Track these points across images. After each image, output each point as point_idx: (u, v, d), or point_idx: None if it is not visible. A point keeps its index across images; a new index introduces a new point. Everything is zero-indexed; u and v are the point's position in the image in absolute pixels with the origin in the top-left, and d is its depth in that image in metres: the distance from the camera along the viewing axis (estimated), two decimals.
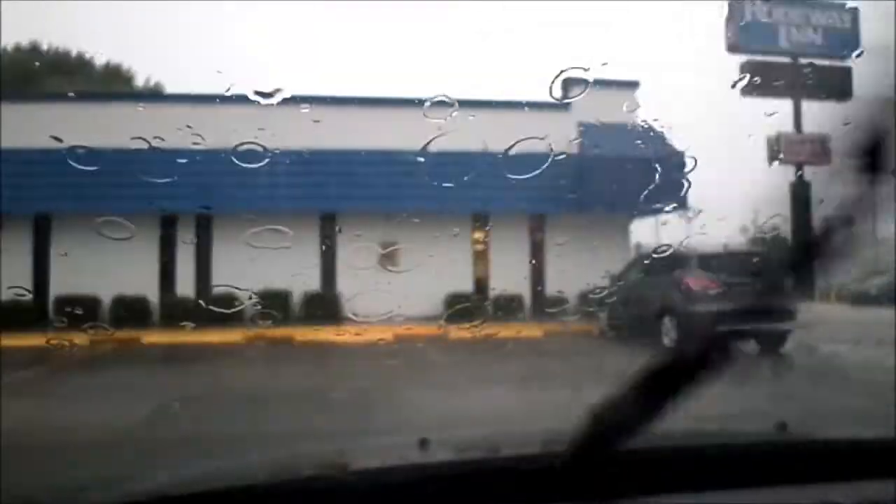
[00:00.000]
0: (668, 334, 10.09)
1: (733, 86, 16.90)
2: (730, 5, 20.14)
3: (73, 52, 29.57)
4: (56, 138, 5.74)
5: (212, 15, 49.32)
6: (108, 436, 5.01)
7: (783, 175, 19.08)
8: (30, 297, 14.28)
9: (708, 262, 10.03)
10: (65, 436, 4.93)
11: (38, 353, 10.37)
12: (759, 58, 20.42)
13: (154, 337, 12.36)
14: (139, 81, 30.83)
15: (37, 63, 26.21)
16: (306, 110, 14.70)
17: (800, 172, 19.29)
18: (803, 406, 5.70)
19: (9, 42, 27.45)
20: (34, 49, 28.74)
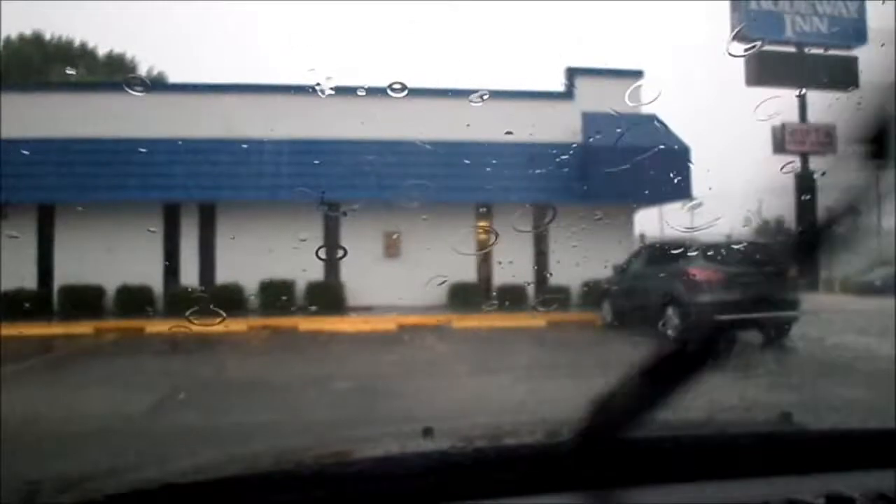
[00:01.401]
0: (672, 324, 10.09)
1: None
2: None
3: (76, 42, 29.53)
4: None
5: (215, 5, 49.16)
6: (114, 425, 5.03)
7: (788, 165, 18.99)
8: (34, 286, 14.34)
9: (711, 252, 10.01)
10: (70, 425, 4.96)
11: (44, 341, 10.43)
12: (764, 47, 20.32)
13: (158, 326, 12.40)
14: (142, 71, 30.80)
15: (45, 50, 26.16)
16: (311, 100, 14.70)
17: (805, 162, 19.24)
18: (807, 396, 5.71)
19: (11, 32, 27.43)
20: (37, 39, 28.70)
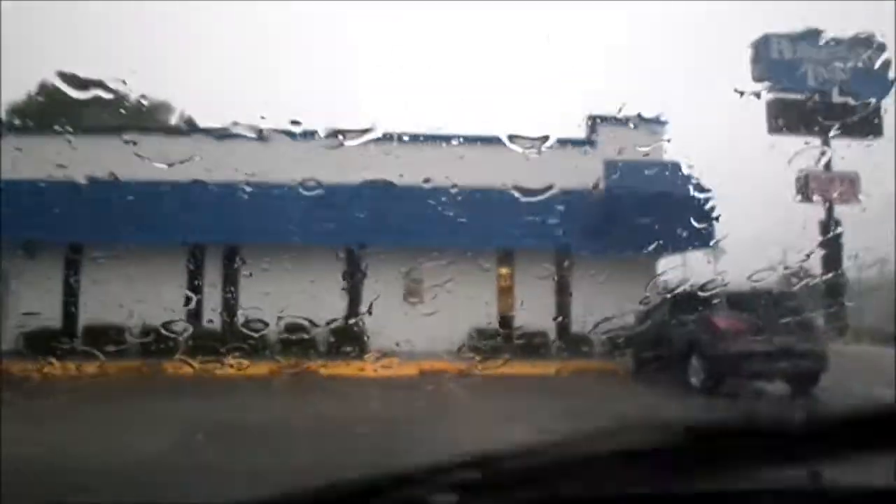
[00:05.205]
0: (696, 375, 9.94)
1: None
2: (756, 43, 20.19)
3: (110, 85, 30.24)
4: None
5: (241, 47, 50.34)
6: (133, 463, 5.03)
7: (812, 214, 18.89)
8: (59, 325, 14.49)
9: (736, 301, 9.88)
10: (89, 461, 4.95)
11: (67, 380, 10.50)
12: (785, 95, 20.37)
13: (181, 368, 12.41)
14: (175, 115, 31.42)
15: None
16: (334, 145, 14.89)
17: (829, 210, 19.10)
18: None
19: (45, 76, 28.17)
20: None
